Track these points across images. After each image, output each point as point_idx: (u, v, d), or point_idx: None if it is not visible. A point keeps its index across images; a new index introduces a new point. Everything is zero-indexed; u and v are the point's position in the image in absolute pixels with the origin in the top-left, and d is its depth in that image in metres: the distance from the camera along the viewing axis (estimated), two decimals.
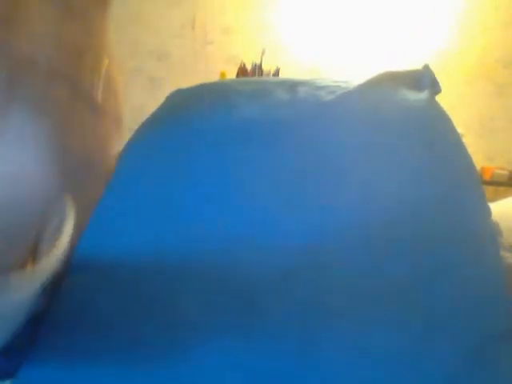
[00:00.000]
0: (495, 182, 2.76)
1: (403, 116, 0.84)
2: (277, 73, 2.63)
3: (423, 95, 0.88)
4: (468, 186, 0.77)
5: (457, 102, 2.94)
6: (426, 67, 0.96)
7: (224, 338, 0.63)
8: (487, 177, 2.78)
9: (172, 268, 0.70)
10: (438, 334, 0.61)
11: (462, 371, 0.59)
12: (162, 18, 3.04)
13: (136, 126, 1.02)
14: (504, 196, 1.41)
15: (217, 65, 2.96)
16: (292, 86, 0.94)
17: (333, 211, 0.74)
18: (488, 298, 0.66)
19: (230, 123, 0.87)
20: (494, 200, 1.17)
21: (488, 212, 0.76)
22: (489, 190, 2.63)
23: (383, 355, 0.60)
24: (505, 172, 2.81)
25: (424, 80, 0.93)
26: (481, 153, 2.98)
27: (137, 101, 2.98)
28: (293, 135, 0.83)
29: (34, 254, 0.54)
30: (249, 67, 2.64)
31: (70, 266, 0.75)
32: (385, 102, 0.87)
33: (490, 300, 0.66)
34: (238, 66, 2.67)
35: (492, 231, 0.75)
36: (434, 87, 0.91)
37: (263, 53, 2.63)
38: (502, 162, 2.98)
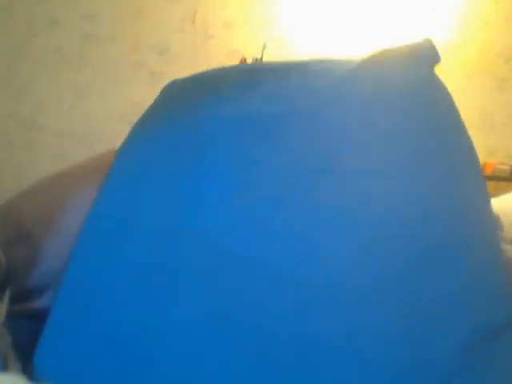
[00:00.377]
0: (497, 177, 2.74)
1: (402, 98, 0.83)
2: None
3: (422, 71, 0.86)
4: (467, 173, 0.76)
5: (457, 97, 2.92)
6: (427, 39, 0.94)
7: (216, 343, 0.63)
8: (489, 172, 2.77)
9: (170, 269, 0.70)
10: (438, 328, 0.61)
11: (463, 365, 0.59)
12: (163, 12, 3.03)
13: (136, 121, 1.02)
14: (505, 191, 1.40)
15: (218, 59, 2.95)
16: (285, 72, 0.93)
17: (331, 204, 0.73)
18: (488, 291, 0.66)
19: (223, 119, 0.86)
20: (495, 195, 1.16)
21: (487, 200, 0.76)
22: (490, 185, 2.61)
23: (382, 353, 0.60)
24: (506, 167, 2.80)
25: (423, 51, 0.91)
26: (482, 148, 2.95)
27: (138, 95, 2.97)
28: (289, 127, 0.82)
29: None
30: (250, 62, 2.63)
31: (70, 263, 0.75)
32: (382, 86, 0.86)
33: (490, 293, 0.66)
34: (239, 60, 2.66)
35: (492, 221, 0.75)
36: (434, 57, 0.90)
37: (264, 47, 2.62)
38: (503, 157, 2.97)
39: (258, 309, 0.65)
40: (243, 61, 2.64)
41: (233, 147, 0.82)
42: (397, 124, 0.81)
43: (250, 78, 0.96)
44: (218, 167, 0.81)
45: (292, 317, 0.64)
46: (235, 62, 2.69)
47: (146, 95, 2.63)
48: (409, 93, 0.85)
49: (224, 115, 0.88)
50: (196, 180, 0.80)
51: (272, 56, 2.65)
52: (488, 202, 0.77)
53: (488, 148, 3.01)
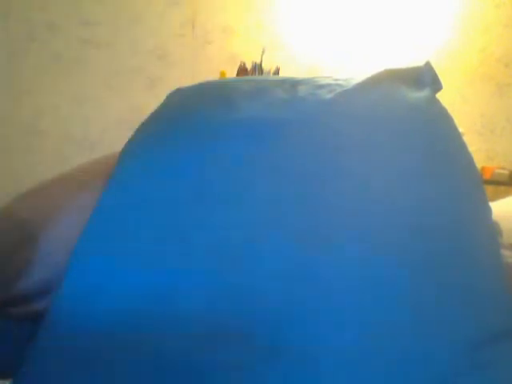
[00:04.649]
0: (495, 182, 2.75)
1: (404, 115, 0.84)
2: (277, 72, 2.63)
3: (424, 93, 0.88)
4: (469, 185, 0.77)
5: (458, 102, 2.94)
6: (427, 64, 0.95)
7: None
8: (487, 176, 2.78)
9: (169, 269, 0.70)
10: (438, 332, 0.61)
11: (462, 369, 0.59)
12: (162, 17, 3.03)
13: (136, 125, 1.02)
14: (504, 195, 1.41)
15: (217, 64, 2.96)
16: (293, 84, 0.94)
17: (334, 211, 0.74)
18: (487, 296, 0.66)
19: (231, 122, 0.87)
20: (494, 199, 1.16)
21: (489, 210, 0.76)
22: (489, 190, 2.63)
23: (382, 354, 0.60)
24: (505, 171, 2.81)
25: (425, 77, 0.93)
26: (481, 152, 2.98)
27: (137, 100, 2.98)
28: (293, 134, 0.83)
29: None
30: (249, 67, 2.63)
31: (69, 266, 0.75)
32: (385, 101, 0.87)
33: (489, 299, 0.66)
34: (238, 65, 2.66)
35: (492, 230, 0.75)
36: (435, 84, 0.91)
37: (263, 52, 2.62)
38: (502, 162, 2.98)
39: (263, 305, 0.65)
40: (242, 65, 2.64)
41: (237, 148, 0.83)
42: (398, 137, 0.82)
43: (257, 87, 0.96)
44: (220, 167, 0.81)
45: (299, 314, 0.64)
46: (234, 66, 2.69)
47: (145, 100, 2.63)
48: (411, 112, 0.86)
49: (229, 119, 0.88)
50: (200, 178, 0.80)
51: (271, 61, 2.65)
52: (488, 210, 0.77)
53: (487, 152, 3.02)
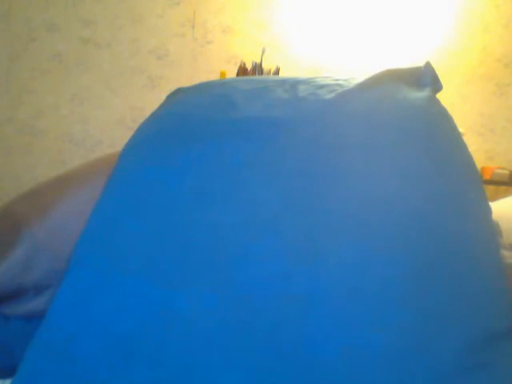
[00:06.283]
0: (495, 182, 2.76)
1: (404, 115, 0.84)
2: (277, 72, 2.63)
3: (424, 93, 0.88)
4: (469, 185, 0.77)
5: (458, 102, 2.94)
6: (428, 65, 0.95)
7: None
8: (487, 176, 2.78)
9: (169, 269, 0.70)
10: (438, 332, 0.61)
11: (462, 369, 0.59)
12: (162, 17, 3.04)
13: (136, 125, 1.02)
14: (504, 195, 1.41)
15: (217, 64, 2.96)
16: (293, 84, 0.94)
17: (334, 211, 0.74)
18: (488, 296, 0.66)
19: (231, 122, 0.87)
20: (494, 199, 1.16)
21: (489, 210, 0.76)
22: (489, 190, 2.63)
23: (382, 354, 0.60)
24: (505, 171, 2.81)
25: (425, 77, 0.93)
26: (481, 152, 2.99)
27: (136, 100, 2.98)
28: (294, 134, 0.83)
29: None
30: (249, 66, 2.64)
31: (69, 264, 0.75)
32: (386, 101, 0.87)
33: (489, 299, 0.66)
34: (238, 65, 2.66)
35: (492, 230, 0.75)
36: (436, 84, 0.91)
37: (263, 52, 2.62)
38: (502, 162, 2.98)
39: (262, 305, 0.65)
40: (242, 65, 2.64)
41: (237, 148, 0.82)
42: (398, 137, 0.81)
43: (257, 87, 0.96)
44: (220, 167, 0.81)
45: (297, 313, 0.64)
46: (234, 66, 2.70)
47: (145, 100, 2.63)
48: (412, 112, 0.86)
49: (229, 119, 0.88)
50: (200, 178, 0.80)
51: (271, 60, 2.66)
52: (488, 210, 0.77)
53: (487, 152, 3.03)
